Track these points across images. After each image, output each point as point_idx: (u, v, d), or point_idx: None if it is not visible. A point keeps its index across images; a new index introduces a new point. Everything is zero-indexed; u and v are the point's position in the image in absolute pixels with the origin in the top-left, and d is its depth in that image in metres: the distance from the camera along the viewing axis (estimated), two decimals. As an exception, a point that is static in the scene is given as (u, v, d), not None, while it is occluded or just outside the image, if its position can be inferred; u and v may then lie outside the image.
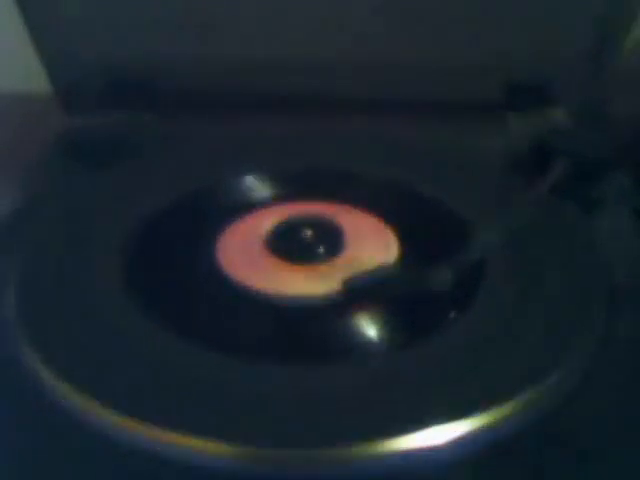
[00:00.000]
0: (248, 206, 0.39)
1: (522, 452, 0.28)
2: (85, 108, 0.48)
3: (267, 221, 0.37)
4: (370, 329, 0.33)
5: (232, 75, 0.47)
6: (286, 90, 0.48)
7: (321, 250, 0.35)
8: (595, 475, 0.27)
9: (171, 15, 0.47)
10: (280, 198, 0.40)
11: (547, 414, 0.28)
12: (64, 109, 0.49)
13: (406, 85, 0.48)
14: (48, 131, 0.48)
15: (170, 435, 0.27)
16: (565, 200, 0.38)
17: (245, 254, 0.35)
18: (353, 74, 0.48)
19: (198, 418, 0.28)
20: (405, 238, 0.36)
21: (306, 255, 0.35)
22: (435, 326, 0.32)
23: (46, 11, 0.47)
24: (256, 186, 0.41)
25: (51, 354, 0.30)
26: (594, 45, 0.47)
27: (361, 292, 0.32)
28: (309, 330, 0.33)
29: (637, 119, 0.47)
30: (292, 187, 0.40)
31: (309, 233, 0.36)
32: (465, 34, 0.47)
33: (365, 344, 0.32)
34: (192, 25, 0.47)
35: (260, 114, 0.45)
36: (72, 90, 0.49)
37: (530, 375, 0.29)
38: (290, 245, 0.35)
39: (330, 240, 0.36)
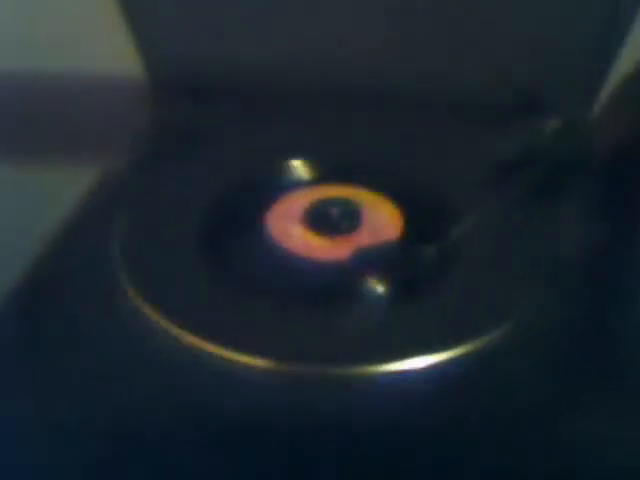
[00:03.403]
0: (293, 185, 0.50)
1: (486, 380, 0.38)
2: (171, 99, 0.59)
3: (304, 200, 0.48)
4: (371, 284, 0.43)
5: (288, 73, 0.58)
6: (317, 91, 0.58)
7: (343, 226, 0.46)
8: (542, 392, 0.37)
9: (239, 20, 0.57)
10: (317, 179, 0.51)
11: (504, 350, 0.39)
12: (153, 95, 0.61)
13: (418, 86, 0.58)
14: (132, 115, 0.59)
15: (223, 350, 0.38)
16: (540, 197, 0.48)
17: (287, 225, 0.47)
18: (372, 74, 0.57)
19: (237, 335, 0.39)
20: (408, 218, 0.47)
21: (331, 229, 0.46)
22: (420, 285, 0.43)
23: (145, 7, 0.58)
24: (299, 169, 0.52)
25: (145, 288, 0.42)
26: (587, 66, 0.56)
27: (364, 260, 0.43)
28: (327, 283, 0.43)
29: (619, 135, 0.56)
30: (327, 171, 0.51)
31: (335, 212, 0.47)
32: (467, 44, 0.56)
33: (366, 295, 0.42)
34: (255, 30, 0.57)
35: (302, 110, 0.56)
36: (163, 82, 0.60)
37: (489, 322, 0.40)
38: (320, 221, 0.46)
39: (351, 218, 0.46)
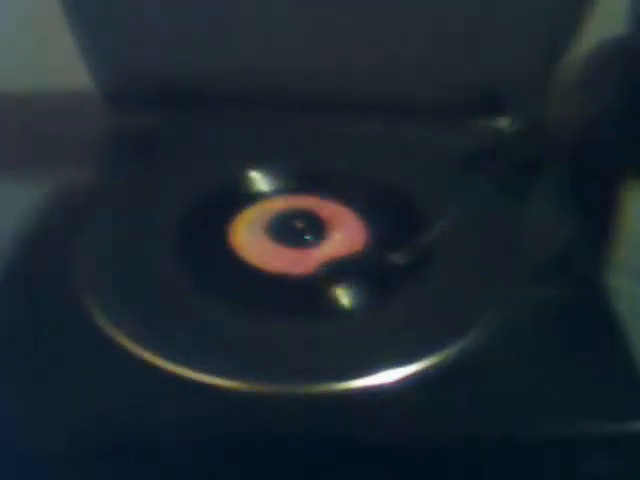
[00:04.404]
0: (255, 196, 0.50)
1: (455, 390, 0.38)
2: (125, 108, 0.58)
3: (267, 212, 0.48)
4: (338, 297, 0.43)
5: (247, 83, 0.57)
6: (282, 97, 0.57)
7: (307, 238, 0.46)
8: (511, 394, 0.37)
9: (196, 30, 0.57)
10: (278, 191, 0.51)
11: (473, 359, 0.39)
12: (107, 107, 0.60)
13: (381, 90, 0.57)
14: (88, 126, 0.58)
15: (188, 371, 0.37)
16: (505, 193, 0.49)
17: (250, 237, 0.46)
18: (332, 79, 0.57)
19: (199, 357, 0.38)
20: (373, 226, 0.47)
21: (296, 241, 0.46)
22: (389, 294, 0.42)
23: (93, 17, 0.56)
24: (260, 180, 0.52)
25: (109, 308, 0.41)
26: (540, 65, 0.57)
27: (332, 272, 0.43)
28: (294, 297, 0.43)
29: (573, 127, 0.57)
30: (287, 182, 0.51)
31: (299, 224, 0.46)
32: (420, 47, 0.56)
33: (333, 307, 0.42)
34: (213, 39, 0.56)
35: (263, 116, 0.55)
36: (115, 91, 0.58)
37: (457, 331, 0.40)
38: (284, 233, 0.46)
39: (315, 229, 0.46)
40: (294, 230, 0.46)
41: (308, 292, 0.43)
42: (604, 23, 0.55)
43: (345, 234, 0.47)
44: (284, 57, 0.57)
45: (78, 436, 0.36)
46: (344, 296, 0.43)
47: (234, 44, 0.56)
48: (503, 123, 0.57)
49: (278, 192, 0.51)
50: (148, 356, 0.38)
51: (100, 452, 0.36)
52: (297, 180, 0.51)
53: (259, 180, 0.52)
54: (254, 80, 0.57)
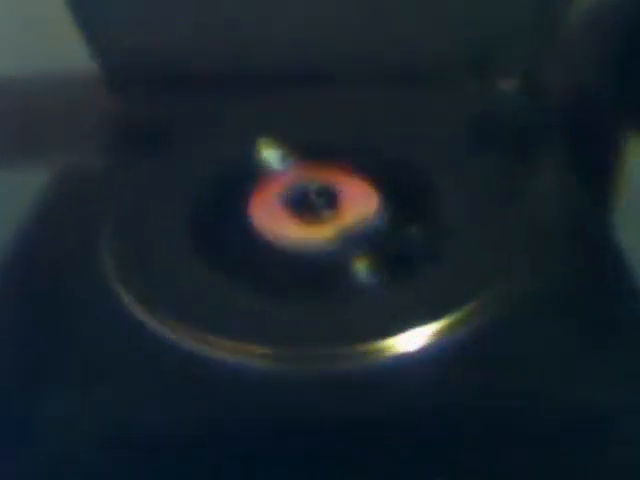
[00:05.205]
0: (269, 170, 0.51)
1: (474, 352, 0.39)
2: (128, 91, 0.59)
3: (282, 186, 0.49)
4: (355, 266, 0.44)
5: (248, 60, 0.57)
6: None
7: (323, 209, 0.47)
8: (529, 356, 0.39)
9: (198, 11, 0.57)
10: (290, 164, 0.51)
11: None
12: (110, 91, 0.59)
13: (380, 58, 0.58)
14: (92, 110, 0.58)
15: (213, 339, 0.39)
16: (507, 160, 0.50)
17: (269, 213, 0.47)
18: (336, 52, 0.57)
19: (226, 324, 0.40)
20: (386, 197, 0.48)
21: (312, 213, 0.47)
22: (407, 261, 0.44)
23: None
24: (271, 156, 0.52)
25: (132, 283, 0.42)
26: (538, 24, 0.57)
27: (350, 245, 0.44)
28: (313, 267, 0.44)
29: (573, 89, 0.58)
30: (298, 155, 0.52)
31: (314, 195, 0.47)
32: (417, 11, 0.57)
33: (351, 277, 0.43)
34: (211, 22, 0.57)
35: (266, 92, 0.56)
36: (118, 75, 0.59)
37: (474, 290, 0.41)
38: (301, 205, 0.47)
39: (329, 201, 0.47)
40: (310, 202, 0.47)
41: (327, 262, 0.44)
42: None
43: (359, 204, 0.47)
44: (284, 30, 0.57)
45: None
46: (362, 264, 0.44)
47: (234, 23, 0.57)
48: (505, 85, 0.57)
49: (290, 166, 0.51)
50: (182, 333, 0.40)
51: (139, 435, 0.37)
52: (307, 153, 0.52)
53: (270, 155, 0.52)
54: (256, 58, 0.57)
